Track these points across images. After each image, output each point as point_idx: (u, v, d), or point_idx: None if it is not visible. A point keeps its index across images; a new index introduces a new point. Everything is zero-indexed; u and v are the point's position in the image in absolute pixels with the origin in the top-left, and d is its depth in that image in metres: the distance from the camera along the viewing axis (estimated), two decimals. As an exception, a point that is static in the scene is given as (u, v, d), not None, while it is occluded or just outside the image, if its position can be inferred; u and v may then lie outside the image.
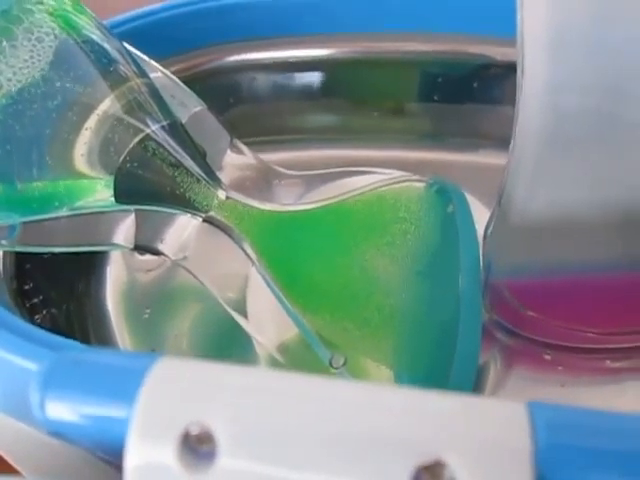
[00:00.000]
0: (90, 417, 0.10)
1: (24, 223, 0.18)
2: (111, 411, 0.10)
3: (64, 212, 0.18)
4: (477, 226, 0.21)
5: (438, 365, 0.19)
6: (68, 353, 0.11)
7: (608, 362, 0.21)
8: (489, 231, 0.20)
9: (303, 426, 0.09)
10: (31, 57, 0.18)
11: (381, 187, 0.22)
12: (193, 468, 0.09)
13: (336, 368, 0.19)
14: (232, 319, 0.21)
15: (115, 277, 0.24)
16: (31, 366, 0.12)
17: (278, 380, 0.10)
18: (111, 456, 0.11)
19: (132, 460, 0.09)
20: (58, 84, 0.18)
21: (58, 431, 0.10)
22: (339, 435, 0.09)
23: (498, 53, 0.27)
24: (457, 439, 0.09)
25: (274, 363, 0.22)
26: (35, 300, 0.20)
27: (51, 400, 0.10)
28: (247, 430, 0.09)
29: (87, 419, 0.10)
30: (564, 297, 0.20)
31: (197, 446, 0.09)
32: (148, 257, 0.21)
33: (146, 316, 0.23)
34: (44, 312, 0.20)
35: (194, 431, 0.09)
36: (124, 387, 0.10)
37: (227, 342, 0.23)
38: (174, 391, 0.10)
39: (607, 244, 0.18)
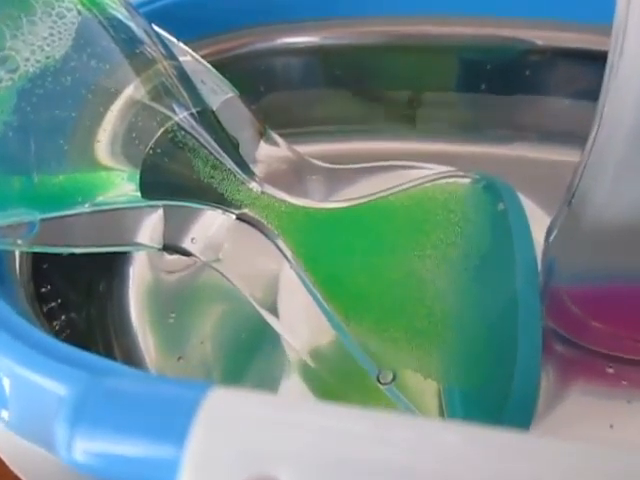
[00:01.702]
0: (128, 459, 0.08)
1: (43, 220, 0.16)
2: (156, 454, 0.08)
3: (86, 208, 0.17)
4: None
5: (495, 379, 0.18)
6: (101, 379, 0.09)
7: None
8: (554, 234, 0.18)
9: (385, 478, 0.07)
10: (51, 35, 0.16)
11: (425, 183, 0.21)
12: (259, 529, 0.08)
13: (384, 384, 0.17)
14: (259, 323, 0.19)
15: (138, 279, 0.22)
16: (59, 390, 0.10)
17: (360, 419, 0.08)
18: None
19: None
20: (80, 66, 0.16)
21: (89, 472, 0.09)
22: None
23: (541, 38, 0.25)
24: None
25: (306, 370, 0.20)
26: (53, 304, 0.19)
27: (81, 437, 0.09)
28: (324, 483, 0.08)
29: (124, 461, 0.08)
30: (632, 306, 0.18)
31: (263, 500, 0.08)
32: (172, 257, 0.20)
33: (171, 320, 0.22)
34: (63, 317, 0.19)
35: (260, 483, 0.08)
36: (171, 425, 0.08)
37: (255, 347, 0.22)
38: (232, 432, 0.08)
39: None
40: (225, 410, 0.08)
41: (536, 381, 0.18)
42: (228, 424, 0.08)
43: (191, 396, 0.08)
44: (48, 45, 0.16)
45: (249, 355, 0.21)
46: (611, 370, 0.19)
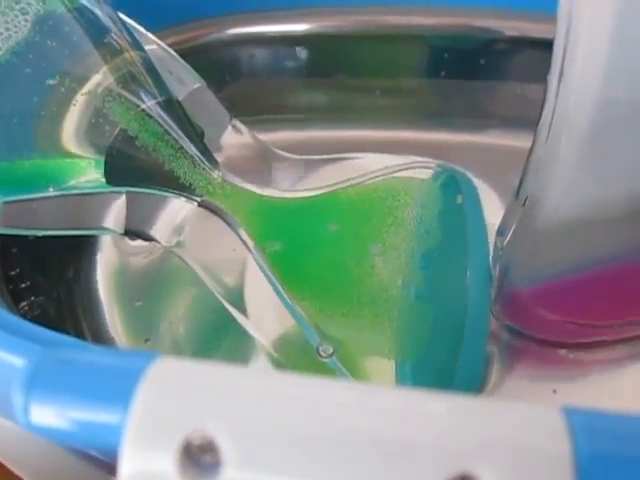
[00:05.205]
0: (79, 423, 0.09)
1: (7, 203, 0.17)
2: (103, 416, 0.09)
3: (50, 192, 0.17)
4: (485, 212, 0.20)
5: (443, 357, 0.19)
6: (55, 350, 0.10)
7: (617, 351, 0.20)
8: (507, 239, 0.18)
9: (318, 436, 0.08)
10: (14, 20, 0.16)
11: (385, 175, 0.21)
12: (195, 480, 0.08)
13: (324, 357, 0.18)
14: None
15: (106, 262, 0.23)
16: (15, 361, 0.10)
17: (291, 384, 0.09)
18: (106, 460, 0.10)
19: (127, 471, 0.09)
20: (45, 54, 0.17)
21: (45, 436, 0.09)
22: (358, 445, 0.08)
23: (507, 27, 0.26)
24: (487, 449, 0.08)
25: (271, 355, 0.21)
26: (22, 285, 0.19)
27: (36, 403, 0.09)
28: (254, 439, 0.08)
29: (76, 425, 0.09)
30: (588, 293, 0.18)
31: (199, 456, 0.09)
32: (141, 242, 0.20)
33: (139, 303, 0.22)
34: (32, 299, 0.19)
35: (196, 440, 0.09)
36: (117, 390, 0.09)
37: (224, 328, 0.22)
38: (173, 395, 0.09)
39: (630, 233, 0.17)
40: (169, 376, 0.09)
41: (481, 361, 0.19)
42: (170, 389, 0.09)
43: (138, 364, 0.09)
44: (12, 30, 0.16)
45: (218, 338, 0.22)
46: (563, 352, 0.20)
